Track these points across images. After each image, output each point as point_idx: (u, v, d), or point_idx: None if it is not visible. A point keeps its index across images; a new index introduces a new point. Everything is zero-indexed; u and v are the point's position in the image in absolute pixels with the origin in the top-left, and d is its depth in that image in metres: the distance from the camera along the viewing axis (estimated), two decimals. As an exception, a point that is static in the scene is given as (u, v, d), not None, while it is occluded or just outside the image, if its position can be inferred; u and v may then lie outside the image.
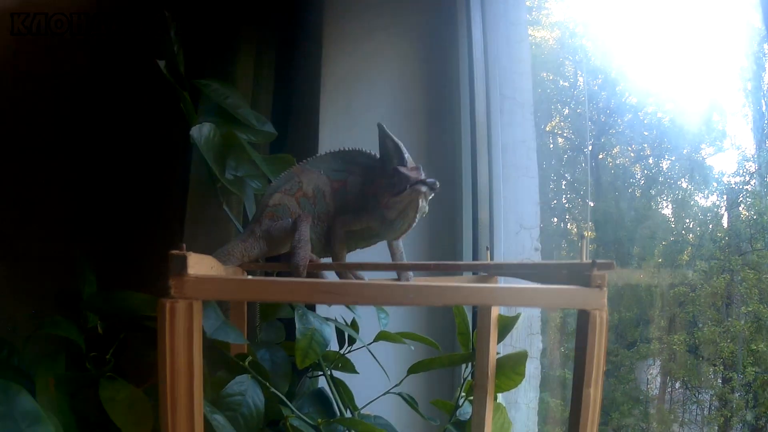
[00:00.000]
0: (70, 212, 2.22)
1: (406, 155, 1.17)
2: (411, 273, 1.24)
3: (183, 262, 0.84)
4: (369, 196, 1.21)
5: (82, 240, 2.13)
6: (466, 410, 1.44)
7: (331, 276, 1.22)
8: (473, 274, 1.51)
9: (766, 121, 1.73)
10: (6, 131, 2.21)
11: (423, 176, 1.13)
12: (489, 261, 1.39)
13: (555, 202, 2.41)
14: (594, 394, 0.90)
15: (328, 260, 1.27)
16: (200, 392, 0.85)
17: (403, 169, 1.14)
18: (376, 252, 1.28)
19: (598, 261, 0.91)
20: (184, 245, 0.85)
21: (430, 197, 1.15)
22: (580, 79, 2.35)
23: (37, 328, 1.30)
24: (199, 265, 0.88)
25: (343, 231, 1.21)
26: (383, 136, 1.20)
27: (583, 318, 0.90)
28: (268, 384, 1.27)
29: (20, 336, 1.36)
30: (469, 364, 1.42)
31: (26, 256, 2.20)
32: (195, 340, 0.83)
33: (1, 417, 1.00)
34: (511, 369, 1.33)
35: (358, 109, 1.98)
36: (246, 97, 1.85)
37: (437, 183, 1.12)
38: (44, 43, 2.24)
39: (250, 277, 1.17)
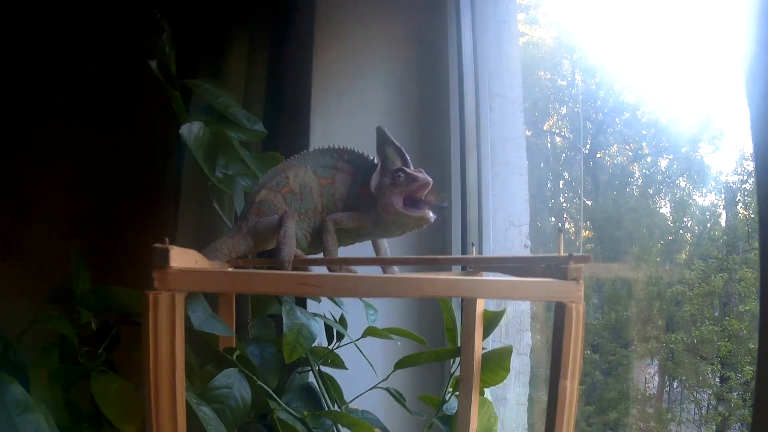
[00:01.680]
0: (66, 210, 2.24)
1: (408, 158, 1.20)
2: (396, 268, 1.26)
3: (165, 254, 0.85)
4: (362, 195, 1.23)
5: (78, 238, 2.15)
6: (452, 405, 1.44)
7: (319, 270, 1.24)
8: (462, 269, 1.53)
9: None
10: (1, 131, 2.23)
11: (428, 178, 1.16)
12: (473, 255, 1.40)
13: (553, 201, 2.41)
14: (571, 386, 0.92)
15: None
16: (182, 381, 0.86)
17: (409, 170, 1.17)
18: (361, 247, 1.30)
19: (575, 254, 0.93)
20: (167, 239, 0.87)
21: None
22: (578, 77, 2.35)
23: (31, 323, 1.32)
24: (183, 258, 0.90)
25: (334, 228, 1.22)
26: (384, 140, 1.21)
27: (560, 311, 0.91)
28: (255, 378, 1.29)
29: (16, 331, 1.39)
30: (457, 360, 1.42)
31: (22, 254, 2.22)
32: (177, 331, 0.85)
33: (-7, 405, 1.03)
34: (496, 364, 1.34)
35: (349, 107, 1.99)
36: (238, 96, 1.87)
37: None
38: (38, 42, 2.26)
39: (230, 270, 1.19)
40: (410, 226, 1.20)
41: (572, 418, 0.93)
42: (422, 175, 1.16)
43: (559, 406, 0.92)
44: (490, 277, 1.16)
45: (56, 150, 2.26)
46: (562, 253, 1.00)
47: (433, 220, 1.17)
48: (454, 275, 1.36)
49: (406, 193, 1.17)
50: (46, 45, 2.27)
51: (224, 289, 1.16)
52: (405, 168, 1.18)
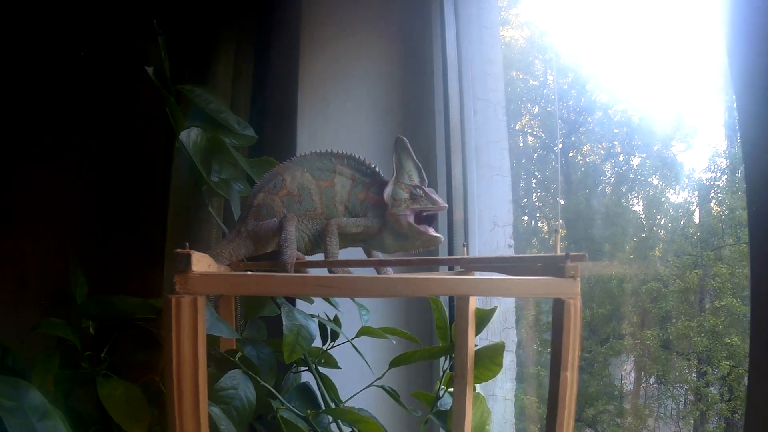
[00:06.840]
0: (54, 216, 2.23)
1: (425, 176, 1.25)
2: (390, 269, 1.29)
3: (187, 259, 0.88)
4: (365, 201, 1.26)
5: (70, 244, 2.15)
6: (446, 401, 1.46)
7: (317, 272, 1.26)
8: (449, 269, 1.56)
9: (736, 117, 1.76)
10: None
11: (445, 204, 1.22)
12: (466, 256, 1.43)
13: (526, 200, 2.44)
14: (571, 377, 0.96)
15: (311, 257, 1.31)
16: (205, 383, 0.89)
17: (428, 190, 1.22)
18: (352, 249, 1.33)
19: (572, 253, 0.97)
20: (188, 244, 0.90)
21: None
22: (550, 77, 2.38)
23: (33, 329, 1.33)
24: (200, 263, 0.92)
25: (337, 231, 1.24)
26: (403, 151, 1.25)
27: (559, 306, 0.95)
28: (258, 378, 1.31)
29: (10, 337, 1.39)
30: (448, 357, 1.45)
31: (10, 262, 2.21)
32: (200, 333, 0.88)
33: (12, 411, 1.04)
34: (489, 360, 1.36)
35: (335, 111, 2.01)
36: (226, 101, 1.88)
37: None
38: (33, 49, 2.26)
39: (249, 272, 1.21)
40: (417, 243, 1.23)
41: (572, 406, 0.97)
42: (441, 201, 1.21)
43: (560, 396, 0.96)
44: (492, 276, 1.19)
45: (45, 156, 2.25)
46: (558, 253, 1.04)
47: (441, 240, 1.23)
48: (450, 275, 1.39)
49: (419, 210, 1.21)
50: (35, 50, 2.26)
51: (243, 292, 1.17)
52: (424, 187, 1.22)
